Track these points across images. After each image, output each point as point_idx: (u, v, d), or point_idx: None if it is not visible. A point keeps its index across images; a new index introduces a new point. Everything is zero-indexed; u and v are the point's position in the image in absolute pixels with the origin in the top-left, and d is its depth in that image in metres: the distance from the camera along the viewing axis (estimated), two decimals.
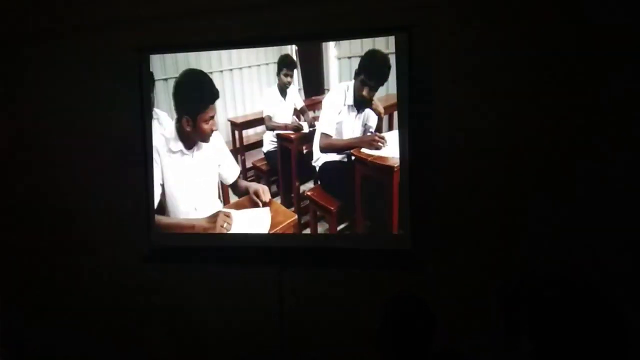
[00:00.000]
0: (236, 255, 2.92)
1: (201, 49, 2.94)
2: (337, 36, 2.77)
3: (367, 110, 2.76)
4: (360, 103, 2.76)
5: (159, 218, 3.01)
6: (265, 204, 2.91)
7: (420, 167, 2.61)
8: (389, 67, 2.65)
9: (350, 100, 2.77)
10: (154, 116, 3.02)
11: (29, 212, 3.37)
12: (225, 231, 2.92)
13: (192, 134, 2.93)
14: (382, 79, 2.68)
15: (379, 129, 2.75)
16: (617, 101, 2.41)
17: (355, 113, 2.78)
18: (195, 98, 2.94)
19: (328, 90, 2.86)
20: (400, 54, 2.61)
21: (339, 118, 2.81)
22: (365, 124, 2.77)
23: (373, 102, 2.73)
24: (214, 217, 2.95)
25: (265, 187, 2.94)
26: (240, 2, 2.92)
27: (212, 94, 2.91)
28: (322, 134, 2.85)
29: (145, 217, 3.01)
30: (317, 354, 2.82)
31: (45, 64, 3.30)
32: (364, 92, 2.73)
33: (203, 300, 3.07)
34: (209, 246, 2.96)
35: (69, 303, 3.27)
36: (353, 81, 2.75)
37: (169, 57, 2.98)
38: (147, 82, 2.99)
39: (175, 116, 2.96)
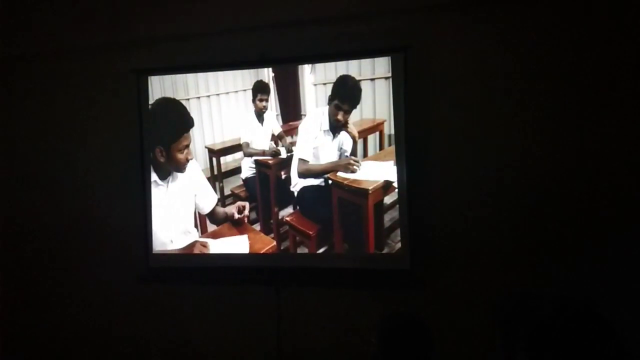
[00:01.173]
0: (231, 275, 2.90)
1: (199, 70, 2.94)
2: (334, 58, 2.76)
3: (342, 134, 2.78)
4: (335, 127, 2.78)
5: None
6: (246, 219, 2.88)
7: (417, 186, 2.62)
8: (359, 90, 2.69)
9: (325, 125, 2.80)
10: None
11: (26, 231, 3.37)
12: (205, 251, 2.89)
13: (165, 164, 2.89)
14: (355, 102, 2.71)
15: (353, 152, 2.77)
16: (619, 114, 2.43)
17: (330, 137, 2.81)
18: (169, 127, 2.92)
19: (305, 115, 2.89)
20: (395, 75, 2.63)
21: (316, 143, 2.82)
22: (341, 148, 2.79)
23: (348, 126, 2.75)
24: (190, 248, 2.92)
25: (245, 203, 2.92)
26: (232, 25, 2.95)
27: (186, 122, 2.88)
28: (300, 159, 2.86)
29: (142, 238, 2.99)
30: None
31: (43, 86, 3.32)
32: (339, 116, 2.75)
33: (199, 321, 3.05)
34: (205, 266, 2.93)
35: (65, 324, 3.26)
36: (327, 107, 2.79)
37: (155, 84, 2.99)
38: (145, 104, 2.98)
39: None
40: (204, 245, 2.90)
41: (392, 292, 2.63)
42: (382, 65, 2.68)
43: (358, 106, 2.73)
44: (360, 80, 2.69)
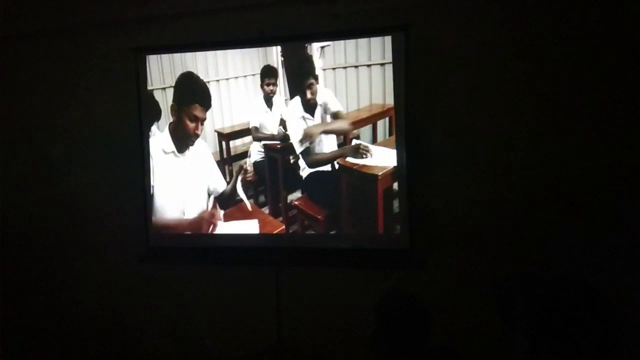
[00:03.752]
0: (233, 255, 2.93)
1: (199, 49, 2.97)
2: (333, 37, 2.75)
3: (318, 109, 2.82)
4: (308, 107, 2.83)
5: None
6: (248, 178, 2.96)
7: (417, 168, 2.62)
8: (306, 57, 2.75)
9: (300, 112, 2.84)
10: None
11: (24, 212, 3.41)
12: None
13: (177, 128, 2.96)
14: (306, 73, 2.77)
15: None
16: (621, 102, 2.42)
17: (311, 120, 2.84)
18: (187, 91, 2.99)
19: None
20: (396, 55, 2.61)
21: (304, 133, 2.86)
22: (326, 109, 2.80)
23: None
24: (200, 218, 2.97)
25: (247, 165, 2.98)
26: (234, 2, 2.95)
27: (203, 95, 2.95)
28: (301, 154, 2.89)
29: (142, 218, 3.03)
30: (314, 353, 2.84)
31: (44, 64, 3.33)
32: (306, 96, 2.79)
33: (200, 301, 3.09)
34: (206, 247, 2.98)
35: (65, 305, 3.31)
36: (295, 98, 2.85)
37: (166, 65, 3.03)
38: (143, 82, 3.03)
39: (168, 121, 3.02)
40: (213, 214, 2.96)
41: (392, 272, 2.64)
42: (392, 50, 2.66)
43: (367, 91, 2.73)
44: (370, 65, 2.68)
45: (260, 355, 2.93)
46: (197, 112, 2.94)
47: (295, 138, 2.89)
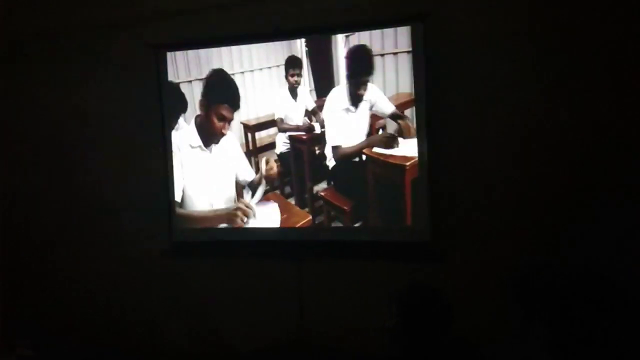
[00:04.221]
0: (256, 249, 2.95)
1: (217, 45, 2.98)
2: (351, 28, 2.73)
3: (363, 105, 2.78)
4: (355, 100, 2.78)
5: (180, 211, 3.08)
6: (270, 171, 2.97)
7: (439, 160, 2.60)
8: (370, 56, 2.69)
9: (346, 103, 2.80)
10: None
11: (48, 207, 3.44)
12: (244, 224, 2.97)
13: (204, 123, 2.98)
14: (367, 71, 2.71)
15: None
16: None
17: (354, 113, 2.80)
18: (218, 90, 3.00)
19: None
20: (415, 45, 2.59)
21: (342, 124, 2.82)
22: (373, 107, 2.77)
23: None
24: (234, 211, 2.99)
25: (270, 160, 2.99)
26: None
27: (233, 96, 2.96)
28: (332, 147, 2.86)
29: (166, 213, 3.06)
30: (336, 345, 2.83)
31: (61, 63, 3.35)
32: (359, 90, 2.75)
33: (223, 294, 3.10)
34: (228, 240, 3.01)
35: (88, 300, 3.33)
36: (346, 84, 2.79)
37: (192, 58, 3.04)
38: (164, 77, 3.06)
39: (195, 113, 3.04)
40: (249, 207, 2.98)
41: (413, 264, 2.61)
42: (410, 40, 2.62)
43: (394, 80, 2.69)
44: (397, 53, 2.64)
45: (281, 347, 2.94)
46: (226, 113, 2.96)
47: (332, 131, 2.85)
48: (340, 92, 2.82)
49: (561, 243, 2.40)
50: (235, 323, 3.07)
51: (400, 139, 2.71)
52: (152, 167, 3.13)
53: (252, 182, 3.04)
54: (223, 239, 3.02)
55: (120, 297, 3.27)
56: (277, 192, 3.02)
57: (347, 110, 2.81)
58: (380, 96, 2.74)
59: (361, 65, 2.74)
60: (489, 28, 2.54)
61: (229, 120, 2.97)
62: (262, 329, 2.97)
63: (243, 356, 3.00)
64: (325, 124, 2.87)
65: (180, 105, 3.08)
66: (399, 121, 2.71)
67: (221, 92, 3.00)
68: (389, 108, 2.73)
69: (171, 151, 3.08)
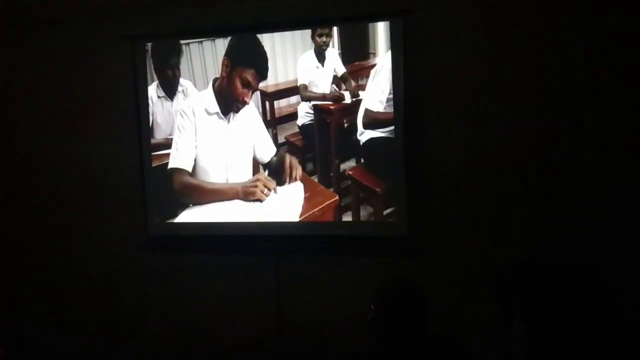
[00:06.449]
0: (232, 244, 2.82)
1: (198, 37, 2.77)
2: (329, 22, 2.59)
3: None
4: None
5: (189, 180, 2.80)
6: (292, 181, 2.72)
7: (416, 154, 2.53)
8: None
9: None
10: (179, 88, 2.80)
11: (23, 200, 3.33)
12: (264, 197, 2.70)
13: (225, 87, 2.68)
14: None
15: None
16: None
17: None
18: (247, 53, 2.71)
19: (374, 54, 2.53)
20: (395, 41, 2.44)
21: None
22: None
23: None
24: (254, 183, 2.71)
25: (296, 162, 2.70)
26: None
27: (261, 63, 2.66)
28: (366, 109, 2.53)
29: (141, 206, 2.92)
30: (314, 341, 2.77)
31: (41, 53, 3.20)
32: None
33: (200, 289, 3.00)
34: (206, 235, 2.85)
35: (65, 294, 3.23)
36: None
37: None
38: (141, 70, 2.86)
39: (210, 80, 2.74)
40: (270, 180, 2.71)
41: (391, 259, 2.59)
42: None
43: None
44: None
45: (260, 342, 2.86)
46: (252, 79, 2.66)
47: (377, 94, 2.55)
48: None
49: (540, 238, 2.40)
50: (214, 317, 2.98)
51: None
52: (128, 159, 2.99)
53: (269, 162, 2.73)
54: (202, 233, 2.83)
55: (96, 294, 3.17)
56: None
57: None
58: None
59: None
60: (472, 23, 2.50)
61: (253, 89, 2.66)
62: (240, 322, 2.91)
63: (223, 349, 2.91)
64: (372, 84, 2.54)
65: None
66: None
67: (249, 55, 2.69)
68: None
69: (148, 142, 2.85)
